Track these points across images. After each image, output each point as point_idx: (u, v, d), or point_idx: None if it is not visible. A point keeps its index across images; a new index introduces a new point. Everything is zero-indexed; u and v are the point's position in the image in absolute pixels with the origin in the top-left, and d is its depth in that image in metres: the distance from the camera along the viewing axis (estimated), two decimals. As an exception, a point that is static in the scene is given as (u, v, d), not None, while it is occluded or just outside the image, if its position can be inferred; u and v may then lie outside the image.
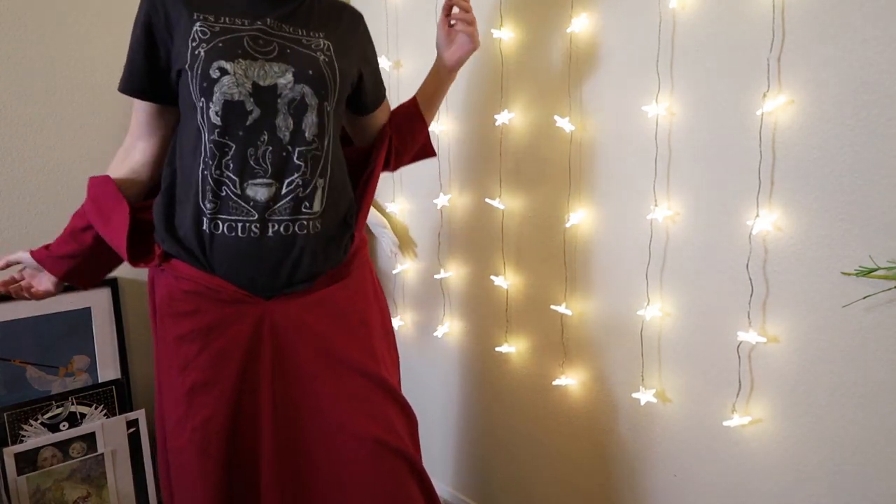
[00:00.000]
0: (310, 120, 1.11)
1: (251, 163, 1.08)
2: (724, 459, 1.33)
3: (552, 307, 1.57)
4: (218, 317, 1.13)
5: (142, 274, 1.84)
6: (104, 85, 1.73)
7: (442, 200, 1.80)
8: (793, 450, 1.23)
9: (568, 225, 1.50)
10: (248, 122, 1.07)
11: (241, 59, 1.06)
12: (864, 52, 1.07)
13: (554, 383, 1.58)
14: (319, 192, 1.14)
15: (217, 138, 1.07)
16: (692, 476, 1.40)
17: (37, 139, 1.65)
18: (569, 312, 1.54)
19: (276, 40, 1.11)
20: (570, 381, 1.57)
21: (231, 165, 1.08)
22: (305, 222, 1.13)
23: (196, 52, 1.06)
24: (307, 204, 1.13)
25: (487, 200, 1.68)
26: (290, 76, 1.08)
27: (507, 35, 1.59)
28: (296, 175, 1.10)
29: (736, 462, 1.32)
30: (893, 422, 1.11)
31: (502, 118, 1.60)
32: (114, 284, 1.78)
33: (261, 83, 1.07)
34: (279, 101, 1.08)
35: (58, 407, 1.65)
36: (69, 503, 1.65)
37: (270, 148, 1.08)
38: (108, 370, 1.77)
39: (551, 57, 1.52)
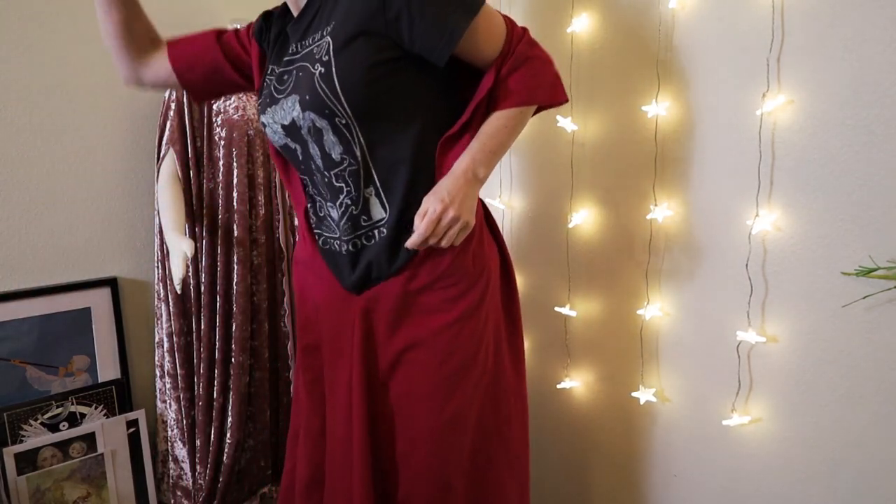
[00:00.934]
0: (330, 141, 1.06)
1: (315, 189, 1.15)
2: (724, 459, 1.33)
3: (556, 309, 1.57)
4: (326, 296, 1.21)
5: (141, 274, 1.84)
6: (104, 85, 1.73)
7: (442, 200, 1.79)
8: (792, 449, 1.23)
9: (570, 225, 1.51)
10: (299, 157, 1.13)
11: (268, 108, 1.11)
12: (864, 52, 1.07)
13: (558, 386, 1.58)
14: (374, 201, 1.10)
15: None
16: (692, 476, 1.40)
17: (37, 139, 1.65)
18: (573, 314, 1.54)
19: (294, 69, 1.08)
20: (574, 383, 1.57)
21: (310, 192, 1.18)
22: (371, 233, 1.12)
23: (258, 106, 1.16)
24: (364, 217, 1.11)
25: (488, 200, 1.68)
26: (298, 107, 1.05)
27: (507, 35, 1.59)
28: (342, 196, 1.11)
29: (736, 461, 1.32)
30: (893, 422, 1.11)
31: (502, 118, 1.60)
32: (114, 284, 1.78)
33: (285, 123, 1.09)
34: (302, 132, 1.08)
35: (58, 407, 1.65)
36: (69, 503, 1.65)
37: (317, 176, 1.12)
38: (108, 370, 1.77)
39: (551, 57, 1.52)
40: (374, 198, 1.09)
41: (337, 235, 1.14)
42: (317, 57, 1.03)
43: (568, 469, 1.65)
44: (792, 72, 1.15)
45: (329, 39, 1.02)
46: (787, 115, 1.16)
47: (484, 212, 1.21)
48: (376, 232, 1.11)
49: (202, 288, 1.69)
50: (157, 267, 1.72)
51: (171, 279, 1.64)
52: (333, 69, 1.00)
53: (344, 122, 1.03)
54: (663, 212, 1.34)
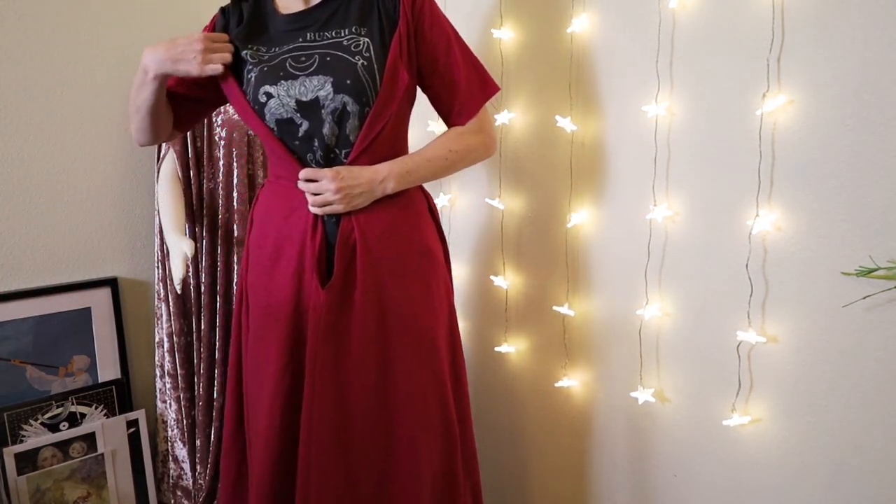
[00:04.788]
0: (352, 125, 1.17)
1: (312, 165, 1.20)
2: (724, 459, 1.33)
3: (554, 308, 1.57)
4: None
5: (141, 274, 1.84)
6: (104, 85, 1.73)
7: (442, 200, 1.80)
8: (792, 449, 1.23)
9: (569, 225, 1.51)
10: (299, 133, 1.17)
11: (282, 81, 1.16)
12: (864, 52, 1.07)
13: (556, 385, 1.58)
14: None
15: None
16: (692, 476, 1.40)
17: (37, 138, 1.65)
18: (571, 313, 1.54)
19: (316, 52, 1.16)
20: (573, 382, 1.57)
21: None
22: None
23: (248, 77, 1.19)
24: None
25: (487, 200, 1.68)
26: (329, 87, 1.14)
27: (507, 35, 1.59)
28: None
29: (736, 462, 1.32)
30: (893, 422, 1.11)
31: (502, 118, 1.60)
32: (114, 284, 1.78)
33: (303, 99, 1.15)
34: (323, 111, 1.16)
35: (58, 407, 1.65)
36: (69, 503, 1.65)
37: (321, 153, 1.19)
38: (108, 370, 1.77)
39: (551, 57, 1.52)
40: None
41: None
42: (354, 48, 1.16)
43: (566, 468, 1.65)
44: (792, 72, 1.15)
45: (368, 40, 1.17)
46: (788, 115, 1.16)
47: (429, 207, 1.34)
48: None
49: (202, 288, 1.70)
50: (158, 267, 1.72)
51: (172, 279, 1.64)
52: (375, 64, 1.16)
53: (370, 111, 1.16)
54: (663, 212, 1.34)
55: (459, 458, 1.29)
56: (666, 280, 1.38)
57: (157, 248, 1.72)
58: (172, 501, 1.78)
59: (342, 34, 1.18)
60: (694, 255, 1.33)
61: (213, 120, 1.67)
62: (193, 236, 1.68)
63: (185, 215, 1.64)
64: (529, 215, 1.63)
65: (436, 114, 1.34)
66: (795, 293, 1.19)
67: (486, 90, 1.28)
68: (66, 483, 1.64)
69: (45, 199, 1.68)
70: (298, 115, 1.16)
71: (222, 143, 1.66)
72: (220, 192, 1.68)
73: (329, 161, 1.19)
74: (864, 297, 1.10)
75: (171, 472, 1.77)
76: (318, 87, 1.14)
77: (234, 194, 1.67)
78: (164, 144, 1.65)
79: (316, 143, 1.18)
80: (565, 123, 1.47)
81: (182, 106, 1.31)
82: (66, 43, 1.67)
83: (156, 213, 1.69)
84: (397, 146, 1.27)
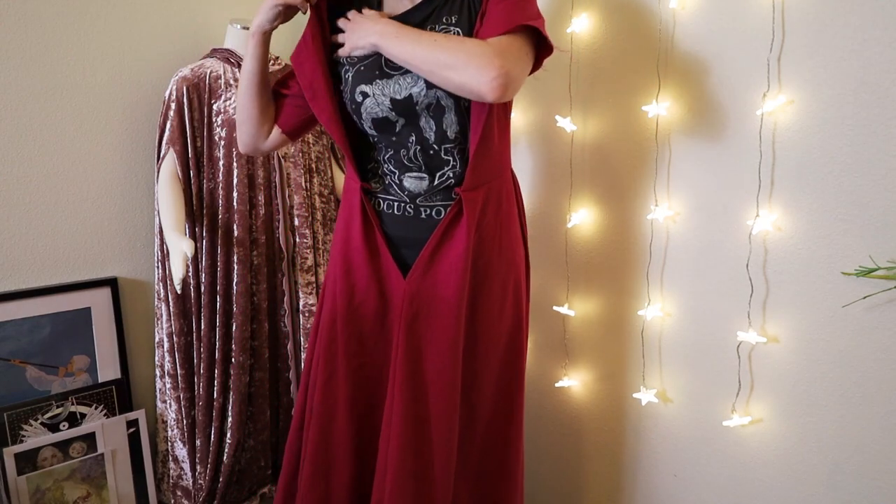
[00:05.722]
0: (449, 119, 1.17)
1: (405, 161, 1.21)
2: (725, 459, 1.33)
3: (555, 308, 1.57)
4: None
5: (141, 274, 1.84)
6: (104, 85, 1.73)
7: (442, 200, 1.79)
8: (793, 449, 1.23)
9: (569, 225, 1.51)
10: (396, 129, 1.19)
11: (377, 80, 1.16)
12: (864, 52, 1.07)
13: (557, 385, 1.58)
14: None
15: (374, 143, 1.24)
16: (692, 476, 1.40)
17: (37, 139, 1.65)
18: (571, 313, 1.54)
19: None
20: (573, 382, 1.57)
21: (391, 162, 1.22)
22: (451, 203, 1.21)
23: (346, 77, 1.21)
24: (455, 192, 1.20)
25: (487, 200, 1.68)
26: (421, 83, 1.14)
27: (507, 35, 1.59)
28: (446, 168, 1.20)
29: (736, 462, 1.32)
30: (893, 422, 1.11)
31: (502, 118, 1.60)
32: (114, 284, 1.78)
33: (397, 97, 1.16)
34: (417, 107, 1.16)
35: (58, 407, 1.65)
36: (69, 503, 1.65)
37: (419, 147, 1.19)
38: (108, 370, 1.77)
39: (551, 57, 1.52)
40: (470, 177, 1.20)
41: (408, 202, 1.22)
42: None
43: (566, 467, 1.65)
44: (792, 72, 1.15)
45: (459, 30, 1.15)
46: (788, 115, 1.16)
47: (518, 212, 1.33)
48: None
49: (202, 288, 1.69)
50: (158, 267, 1.72)
51: (171, 279, 1.64)
52: None
53: (467, 105, 1.16)
54: (663, 212, 1.34)
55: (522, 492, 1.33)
56: (667, 280, 1.38)
57: (157, 248, 1.71)
58: (172, 501, 1.78)
59: (434, 29, 1.17)
60: (694, 255, 1.33)
61: (214, 120, 1.67)
62: (193, 236, 1.68)
63: (185, 215, 1.64)
64: (530, 215, 1.63)
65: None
66: (796, 293, 1.19)
67: (523, 20, 1.08)
68: (66, 483, 1.64)
69: (45, 199, 1.68)
70: (394, 113, 1.17)
71: (222, 143, 1.66)
72: (220, 192, 1.68)
73: (428, 157, 1.19)
74: (864, 297, 1.10)
75: (171, 472, 1.77)
76: (410, 85, 1.14)
77: (234, 194, 1.67)
78: (164, 144, 1.65)
79: (413, 137, 1.18)
80: (565, 123, 1.47)
81: (285, 104, 1.33)
82: (66, 43, 1.67)
83: (156, 213, 1.69)
84: (503, 145, 1.25)
